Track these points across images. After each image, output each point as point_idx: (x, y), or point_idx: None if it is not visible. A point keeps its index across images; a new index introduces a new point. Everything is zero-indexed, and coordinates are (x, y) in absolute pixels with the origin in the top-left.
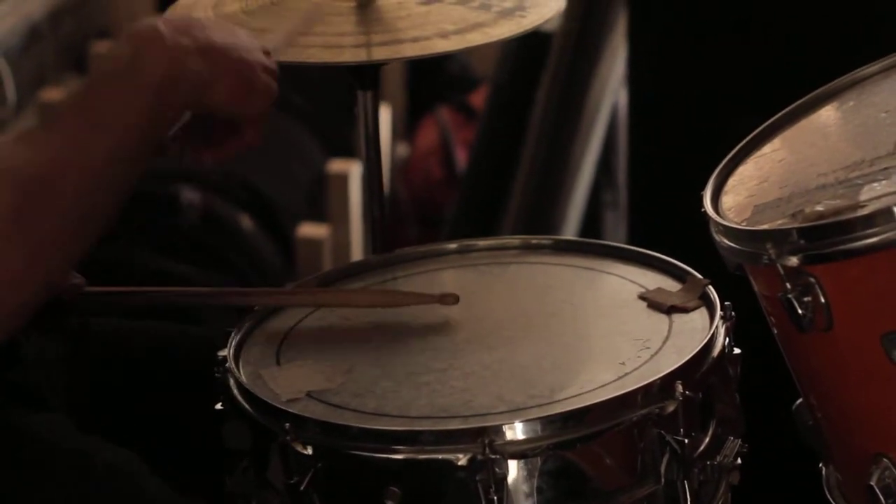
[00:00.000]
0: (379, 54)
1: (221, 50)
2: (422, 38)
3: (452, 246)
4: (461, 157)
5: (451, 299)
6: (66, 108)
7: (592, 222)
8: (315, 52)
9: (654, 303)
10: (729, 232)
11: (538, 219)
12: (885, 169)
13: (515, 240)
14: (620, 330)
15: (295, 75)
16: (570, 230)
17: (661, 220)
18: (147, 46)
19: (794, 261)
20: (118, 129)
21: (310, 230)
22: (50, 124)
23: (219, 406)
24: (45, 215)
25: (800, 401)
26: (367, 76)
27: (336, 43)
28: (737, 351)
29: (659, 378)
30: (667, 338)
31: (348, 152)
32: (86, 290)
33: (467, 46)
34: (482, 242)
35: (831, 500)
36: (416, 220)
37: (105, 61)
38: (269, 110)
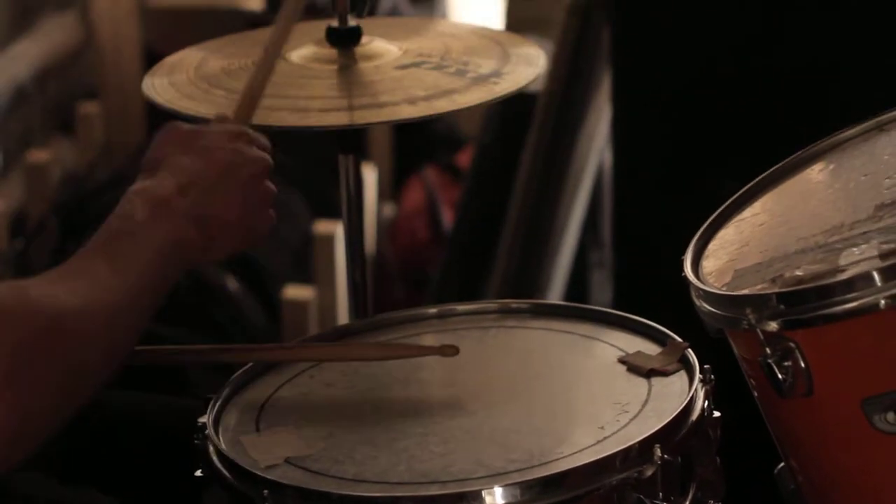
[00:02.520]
0: (340, 119)
1: (220, 211)
2: (389, 103)
3: (432, 311)
4: (447, 217)
5: (450, 350)
6: (77, 260)
7: (579, 282)
8: (284, 116)
9: (634, 366)
10: (709, 297)
11: (524, 279)
12: (865, 233)
13: (494, 304)
14: (600, 394)
15: (281, 135)
16: (556, 290)
17: (646, 280)
18: (156, 213)
19: (773, 326)
20: (121, 289)
21: (296, 292)
22: (56, 279)
23: (199, 473)
24: (50, 362)
25: (781, 465)
26: (347, 139)
27: (305, 106)
28: (717, 414)
29: (638, 442)
30: (646, 401)
31: (335, 213)
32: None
33: (432, 114)
34: (461, 307)
35: None
36: (403, 280)
37: (116, 220)
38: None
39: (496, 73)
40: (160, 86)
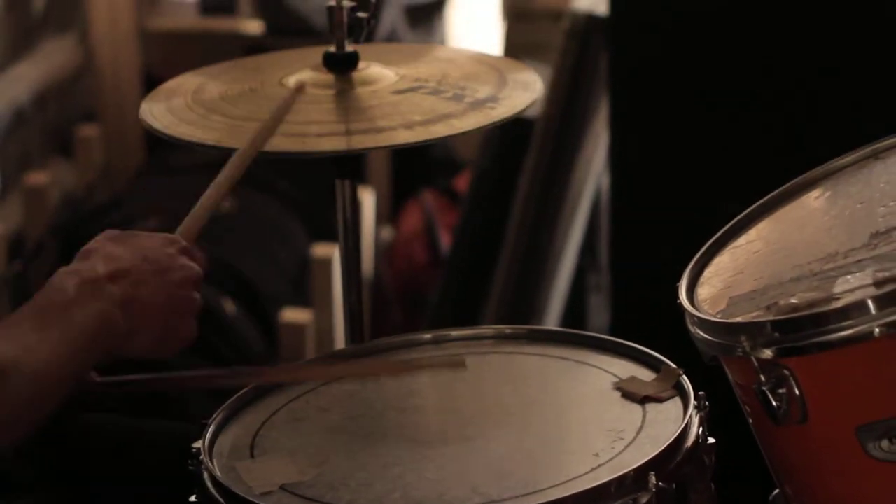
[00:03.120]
0: (337, 144)
1: (147, 304)
2: (387, 128)
3: (427, 336)
4: (445, 241)
5: (459, 363)
6: (6, 326)
7: (577, 306)
8: (281, 141)
9: (629, 393)
10: (704, 324)
11: (522, 302)
12: (860, 261)
13: (490, 330)
14: (594, 420)
15: (279, 159)
16: (553, 314)
17: (643, 304)
18: (84, 291)
19: (768, 353)
20: (48, 355)
21: (293, 315)
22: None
23: (193, 499)
24: None
25: (776, 492)
26: (344, 164)
27: (303, 132)
28: (711, 441)
29: (632, 469)
30: (641, 428)
31: (333, 236)
32: (96, 380)
33: (429, 139)
34: (456, 333)
35: None
36: (400, 303)
37: (45, 295)
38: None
39: (493, 98)
40: (158, 111)
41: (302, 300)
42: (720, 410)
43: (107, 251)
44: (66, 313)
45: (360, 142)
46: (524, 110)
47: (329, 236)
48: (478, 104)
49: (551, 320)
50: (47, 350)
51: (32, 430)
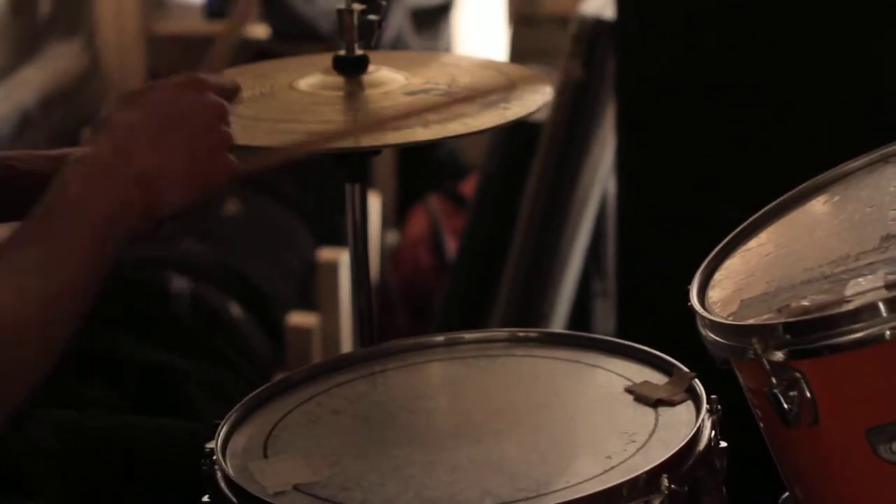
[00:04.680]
0: (353, 143)
1: (167, 166)
2: (403, 126)
3: (440, 339)
4: (451, 246)
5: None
6: (8, 246)
7: (582, 311)
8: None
9: (641, 396)
10: (715, 326)
11: (528, 307)
12: (871, 264)
13: (503, 332)
14: (607, 423)
15: (285, 164)
16: (559, 319)
17: (650, 309)
18: (94, 182)
19: (779, 356)
20: (71, 257)
21: (299, 319)
22: None
23: (206, 499)
24: None
25: (786, 494)
26: (354, 168)
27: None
28: (723, 444)
29: (645, 472)
30: (653, 431)
31: (339, 240)
32: None
33: (447, 136)
34: (469, 335)
35: None
36: (406, 308)
37: (51, 195)
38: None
39: (505, 99)
40: None
41: (308, 304)
42: (730, 414)
43: (113, 121)
44: (70, 220)
45: (375, 140)
46: (536, 111)
47: (335, 240)
48: (490, 104)
49: (557, 325)
50: (53, 276)
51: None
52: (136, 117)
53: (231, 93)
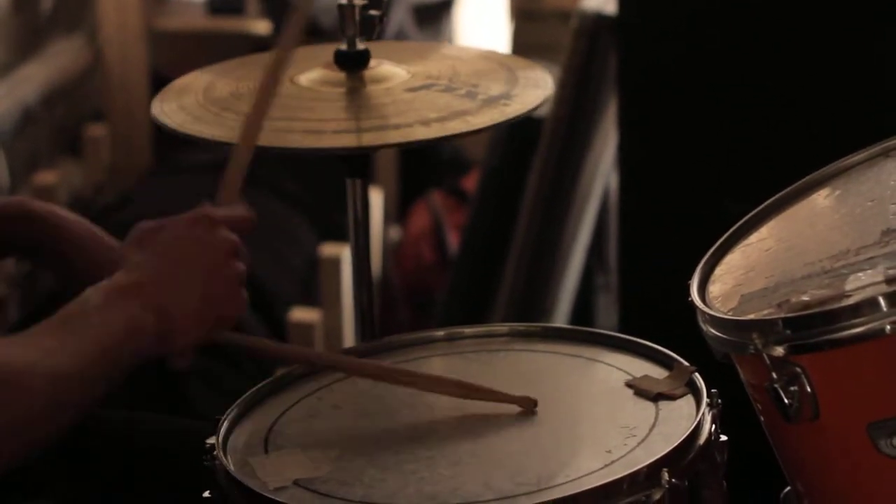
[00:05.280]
0: (352, 142)
1: (182, 302)
2: (403, 125)
3: (440, 333)
4: (453, 241)
5: (530, 403)
6: (25, 335)
7: (585, 306)
8: (297, 138)
9: (641, 390)
10: (715, 321)
11: (530, 302)
12: (871, 258)
13: (503, 327)
14: (607, 417)
15: (287, 160)
16: (561, 314)
17: (652, 304)
18: (110, 301)
19: (779, 350)
20: (81, 356)
21: (302, 314)
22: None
23: (207, 494)
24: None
25: (787, 489)
26: (356, 164)
27: (319, 128)
28: (723, 438)
29: (645, 466)
30: (653, 425)
31: (340, 236)
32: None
33: (447, 135)
34: (469, 330)
35: None
36: (408, 303)
37: (70, 308)
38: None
39: (506, 95)
40: (170, 110)
41: (310, 300)
42: (731, 408)
43: (128, 262)
44: (88, 320)
45: (376, 139)
46: (537, 107)
47: (337, 236)
48: (491, 101)
49: (559, 320)
50: (67, 353)
51: (54, 439)
52: (150, 260)
53: (242, 223)
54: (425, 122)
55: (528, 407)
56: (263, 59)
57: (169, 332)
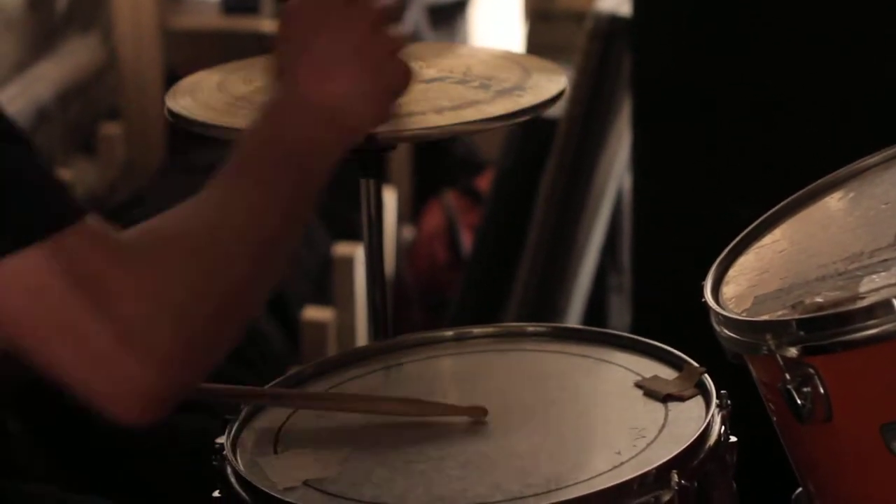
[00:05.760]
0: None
1: (354, 95)
2: (417, 113)
3: (449, 333)
4: (466, 241)
5: (479, 412)
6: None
7: (598, 306)
8: None
9: (651, 391)
10: (729, 322)
11: (543, 302)
12: (885, 261)
13: (513, 327)
14: (616, 418)
15: None
16: (575, 314)
17: (665, 305)
18: (287, 123)
19: (793, 352)
20: (273, 215)
21: (315, 313)
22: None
23: (216, 494)
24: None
25: (799, 490)
26: (369, 163)
27: None
28: (733, 439)
29: (654, 467)
30: (663, 426)
31: (354, 235)
32: None
33: (461, 122)
34: (478, 330)
35: None
36: (421, 303)
37: (250, 143)
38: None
39: (519, 87)
40: (185, 104)
41: (323, 299)
42: (740, 409)
43: (290, 51)
44: (274, 159)
45: (390, 128)
46: (553, 99)
47: (351, 235)
48: (505, 92)
49: (572, 320)
50: (272, 195)
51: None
52: (314, 44)
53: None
54: (439, 111)
55: (479, 417)
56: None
57: (349, 129)
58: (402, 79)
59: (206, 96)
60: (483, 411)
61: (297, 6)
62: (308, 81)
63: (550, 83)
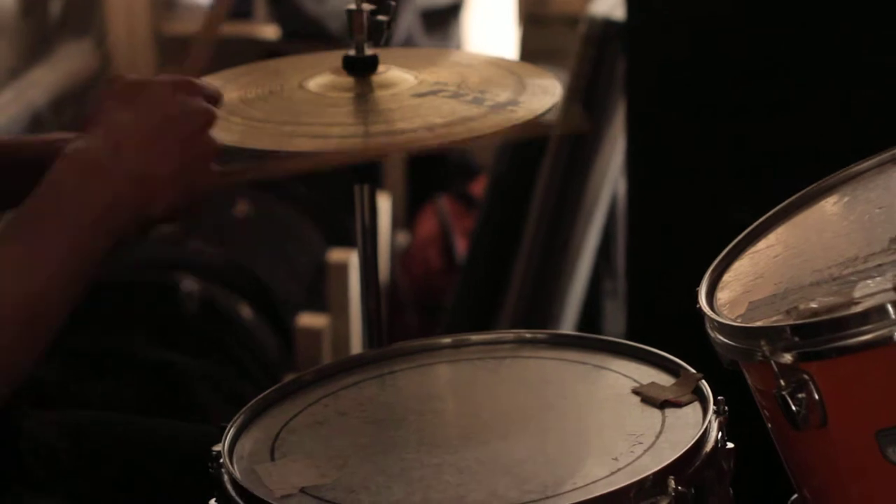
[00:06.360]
0: (358, 146)
1: (160, 168)
2: (408, 130)
3: (447, 340)
4: (461, 246)
5: None
6: (4, 233)
7: (592, 311)
8: (303, 142)
9: (648, 397)
10: (723, 328)
11: (538, 308)
12: (880, 265)
13: (510, 334)
14: (613, 424)
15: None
16: (569, 319)
17: (659, 310)
18: (87, 178)
19: (788, 358)
20: (55, 258)
21: (309, 320)
22: None
23: (213, 502)
24: None
25: (794, 496)
26: (363, 169)
27: (323, 133)
28: (730, 445)
29: (652, 473)
30: (660, 433)
31: (348, 241)
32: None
33: (452, 140)
34: (476, 337)
35: None
36: (416, 308)
37: (43, 189)
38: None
39: (513, 102)
40: None
41: (318, 305)
42: (737, 415)
43: (109, 119)
44: (62, 208)
45: (382, 144)
46: (545, 113)
47: (345, 241)
48: (498, 107)
49: (567, 326)
50: (41, 261)
51: (33, 363)
52: (131, 117)
53: (216, 99)
54: (430, 128)
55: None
56: (273, 66)
57: (145, 201)
58: (206, 179)
59: None
60: None
61: (121, 86)
62: (123, 144)
63: (545, 96)
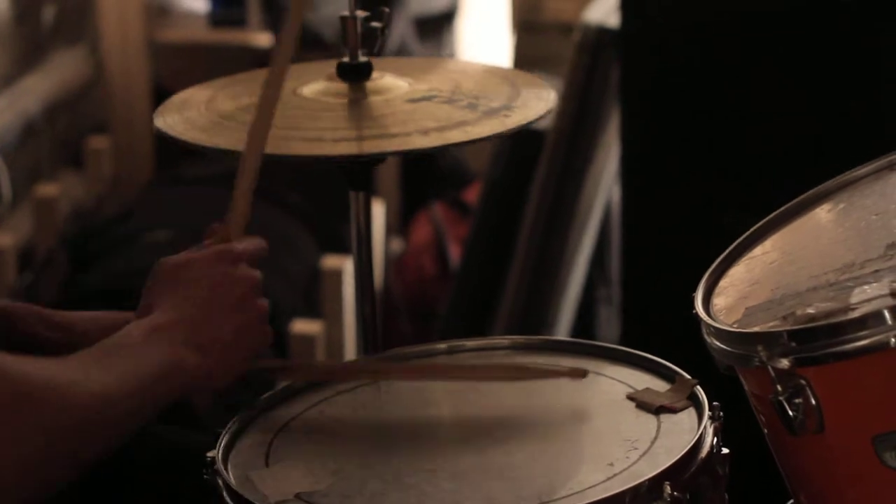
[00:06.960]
0: (352, 150)
1: (217, 339)
2: (402, 134)
3: (442, 346)
4: (455, 253)
5: (578, 374)
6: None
7: (587, 318)
8: (297, 146)
9: (643, 403)
10: (720, 334)
11: (532, 315)
12: (876, 271)
13: (504, 340)
14: (609, 430)
15: (290, 171)
16: (563, 326)
17: (654, 316)
18: (152, 338)
19: (784, 363)
20: (106, 381)
21: (303, 326)
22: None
23: None
24: (18, 425)
25: (791, 502)
26: (358, 176)
27: (318, 136)
28: (725, 451)
29: (647, 479)
30: (655, 438)
31: (343, 248)
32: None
33: (446, 144)
34: (471, 343)
35: None
36: (410, 315)
37: (114, 339)
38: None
39: (507, 107)
40: (172, 122)
41: (312, 312)
42: (733, 421)
43: (162, 303)
44: (130, 352)
45: (376, 147)
46: (539, 118)
47: (339, 248)
48: (492, 112)
49: (561, 332)
50: (113, 376)
51: (101, 457)
52: (184, 297)
53: (260, 255)
54: (424, 132)
55: (578, 377)
56: (264, 74)
57: (209, 368)
58: (262, 344)
59: (194, 114)
60: (582, 372)
61: (164, 269)
62: (182, 318)
63: (539, 101)
